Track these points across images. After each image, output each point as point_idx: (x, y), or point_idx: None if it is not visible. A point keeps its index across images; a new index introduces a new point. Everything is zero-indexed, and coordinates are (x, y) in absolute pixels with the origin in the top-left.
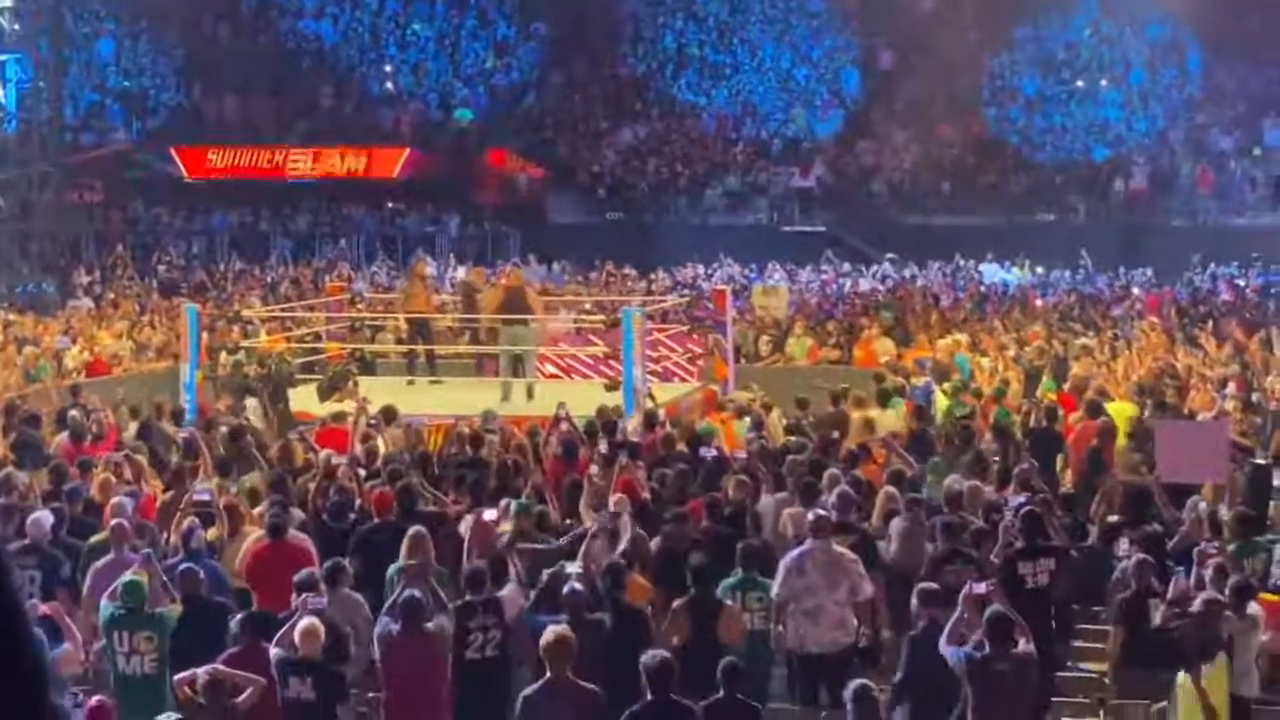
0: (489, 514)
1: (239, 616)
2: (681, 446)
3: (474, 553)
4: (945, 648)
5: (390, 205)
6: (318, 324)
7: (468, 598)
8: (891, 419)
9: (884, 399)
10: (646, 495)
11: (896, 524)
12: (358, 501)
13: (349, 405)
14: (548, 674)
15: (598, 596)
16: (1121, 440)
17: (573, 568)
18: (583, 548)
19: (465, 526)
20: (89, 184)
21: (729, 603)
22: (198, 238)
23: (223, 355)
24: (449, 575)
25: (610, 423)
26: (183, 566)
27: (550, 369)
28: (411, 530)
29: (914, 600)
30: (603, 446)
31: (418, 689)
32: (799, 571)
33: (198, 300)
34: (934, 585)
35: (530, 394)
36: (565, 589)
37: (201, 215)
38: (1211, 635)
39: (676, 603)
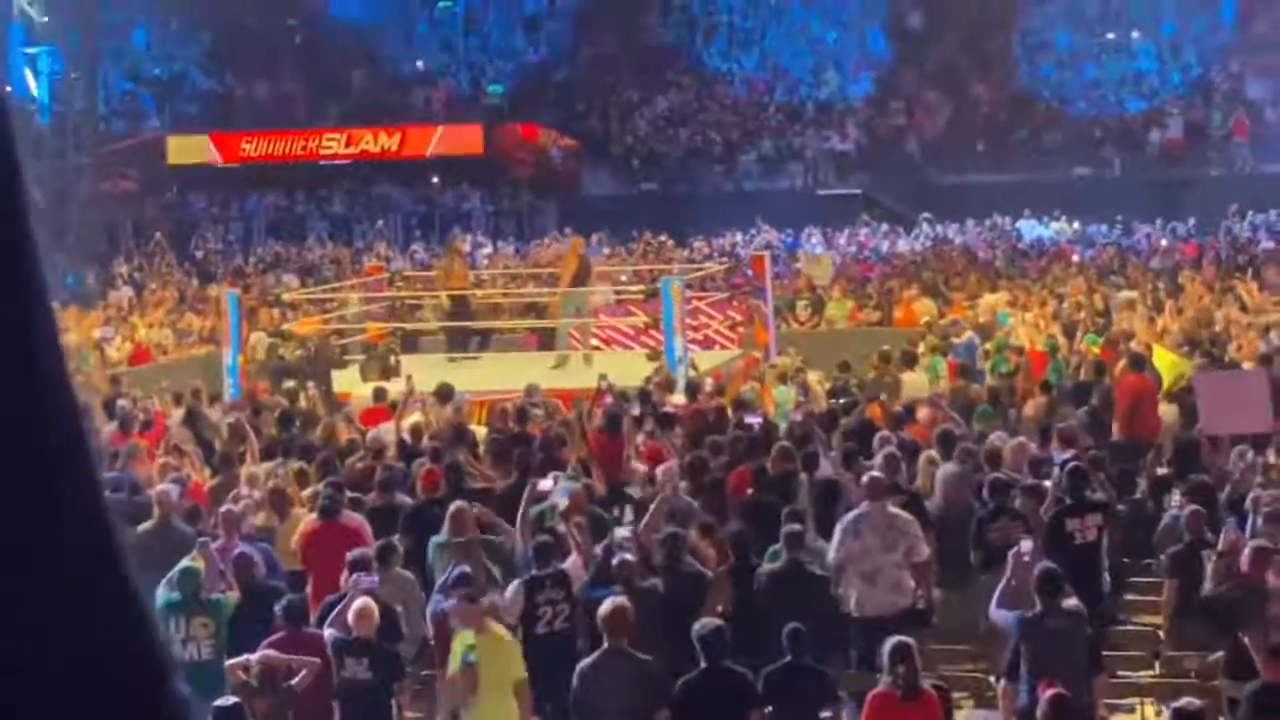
0: (544, 484)
1: (279, 605)
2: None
3: (529, 528)
4: (996, 612)
5: (435, 180)
6: (357, 305)
7: (534, 572)
8: (924, 380)
9: (909, 361)
10: (672, 462)
11: (942, 471)
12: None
13: (394, 385)
14: (605, 645)
15: (650, 564)
16: (1167, 387)
17: (622, 532)
18: (645, 520)
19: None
20: (124, 173)
21: (769, 567)
22: (234, 223)
23: (253, 338)
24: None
25: (644, 391)
26: (236, 551)
27: (592, 340)
28: (453, 506)
29: None
30: (649, 425)
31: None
32: (855, 534)
33: (236, 285)
34: None
35: (588, 361)
36: (615, 560)
37: (237, 200)
38: (1258, 593)
39: (718, 570)
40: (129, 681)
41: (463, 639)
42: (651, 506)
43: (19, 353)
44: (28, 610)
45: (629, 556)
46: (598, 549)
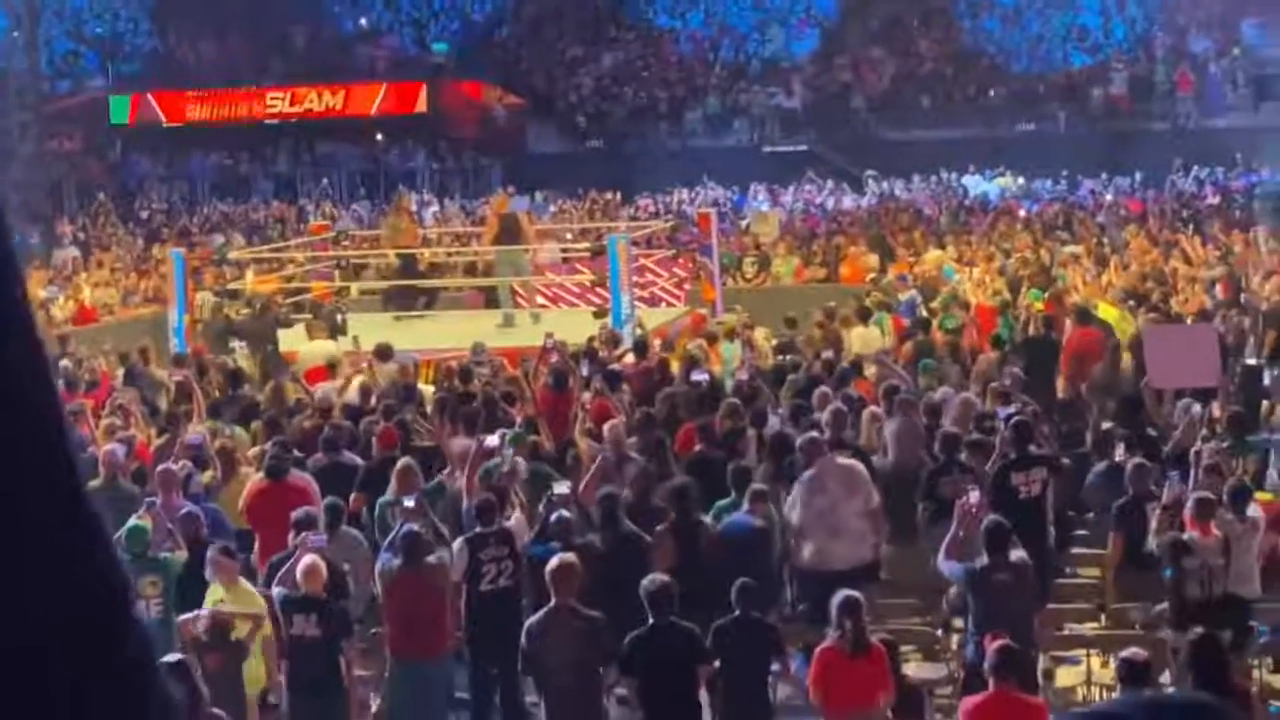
0: (491, 441)
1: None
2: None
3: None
4: (943, 563)
5: (380, 138)
6: (303, 264)
7: (478, 529)
8: (876, 336)
9: (864, 316)
10: (620, 419)
11: (889, 428)
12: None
13: (342, 344)
14: (552, 601)
15: (589, 521)
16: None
17: (560, 489)
18: (585, 479)
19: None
20: (67, 133)
21: (709, 521)
22: (178, 182)
23: (199, 297)
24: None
25: (591, 349)
26: (183, 511)
27: (538, 299)
28: (400, 464)
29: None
30: (598, 381)
31: (420, 622)
32: (821, 490)
33: (181, 244)
34: None
35: (536, 320)
36: (554, 517)
37: (181, 160)
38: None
39: (660, 528)
40: (98, 603)
41: (213, 593)
42: (592, 467)
43: None
44: None
45: (566, 514)
46: (540, 507)
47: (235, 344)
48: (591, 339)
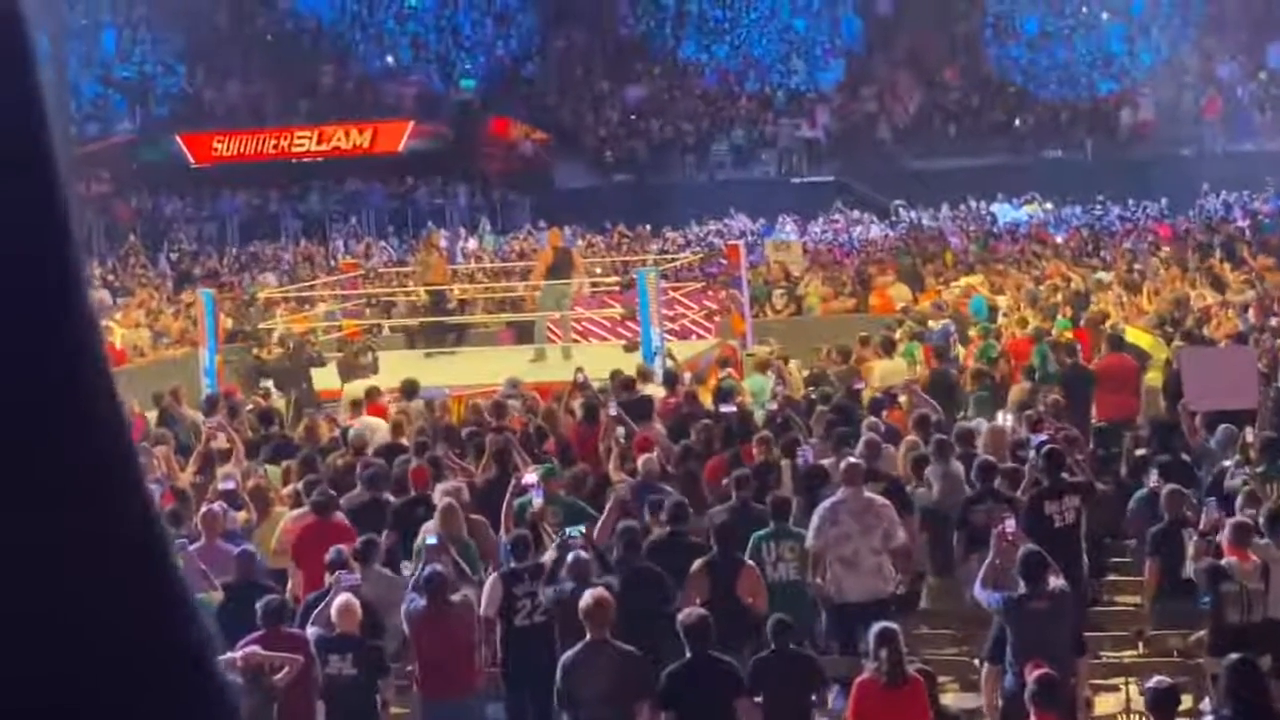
0: (528, 477)
1: (260, 604)
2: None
3: (512, 519)
4: (980, 592)
5: (409, 180)
6: (333, 302)
7: (512, 565)
8: (899, 367)
9: (888, 348)
10: (658, 456)
11: (934, 470)
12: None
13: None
14: (587, 637)
15: (605, 562)
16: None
17: (572, 531)
18: (601, 522)
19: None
20: (96, 176)
21: (749, 562)
22: (207, 223)
23: (239, 339)
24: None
25: (624, 381)
26: (238, 551)
27: (571, 334)
28: (441, 504)
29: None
30: (612, 409)
31: (448, 661)
32: (833, 521)
33: (211, 285)
34: None
35: (567, 355)
36: (570, 557)
37: (210, 201)
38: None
39: (697, 563)
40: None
41: None
42: (608, 504)
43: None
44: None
45: (584, 555)
46: (552, 548)
47: (265, 384)
48: (616, 372)
